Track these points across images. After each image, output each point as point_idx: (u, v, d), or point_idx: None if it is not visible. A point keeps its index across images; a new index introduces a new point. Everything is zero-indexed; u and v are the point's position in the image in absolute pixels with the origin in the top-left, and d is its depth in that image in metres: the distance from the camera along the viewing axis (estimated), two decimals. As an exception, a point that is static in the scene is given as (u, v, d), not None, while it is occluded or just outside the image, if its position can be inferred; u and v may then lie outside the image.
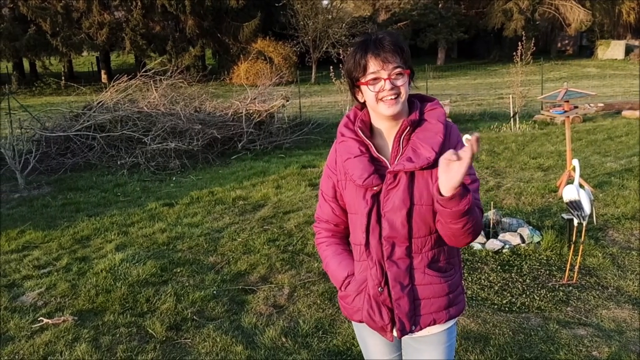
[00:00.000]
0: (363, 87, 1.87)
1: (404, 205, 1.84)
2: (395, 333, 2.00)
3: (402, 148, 1.88)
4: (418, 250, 1.90)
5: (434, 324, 1.96)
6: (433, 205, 1.84)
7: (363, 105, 1.95)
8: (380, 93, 1.82)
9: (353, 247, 2.04)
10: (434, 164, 1.80)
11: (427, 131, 1.87)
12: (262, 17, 30.94)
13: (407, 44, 1.90)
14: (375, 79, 1.83)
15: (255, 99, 12.49)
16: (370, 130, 1.96)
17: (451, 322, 2.02)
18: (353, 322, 2.16)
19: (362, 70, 1.84)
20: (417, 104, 1.93)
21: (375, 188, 1.88)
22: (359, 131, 1.92)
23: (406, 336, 2.02)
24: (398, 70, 1.82)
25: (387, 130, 1.92)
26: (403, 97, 1.84)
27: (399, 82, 1.82)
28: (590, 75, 27.32)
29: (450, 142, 1.87)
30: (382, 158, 1.90)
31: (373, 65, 1.82)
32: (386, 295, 1.93)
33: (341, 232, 2.11)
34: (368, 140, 1.91)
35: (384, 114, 1.85)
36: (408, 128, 1.87)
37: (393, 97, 1.82)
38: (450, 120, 1.98)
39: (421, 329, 1.96)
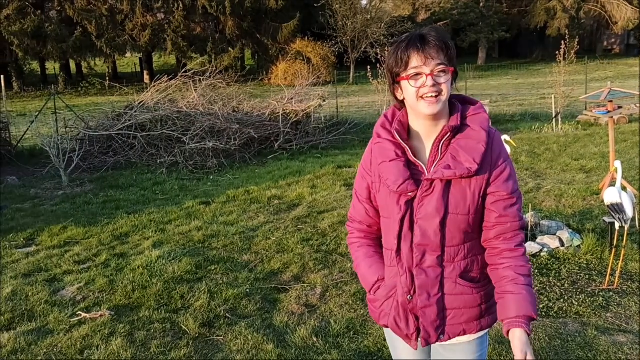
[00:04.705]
0: (403, 83, 1.78)
1: (437, 214, 1.77)
2: (420, 342, 1.94)
3: (441, 154, 1.80)
4: (450, 260, 1.83)
5: (464, 334, 1.90)
6: (469, 215, 1.79)
7: (402, 105, 1.87)
8: (422, 89, 1.73)
9: (385, 251, 1.97)
10: (474, 174, 1.74)
11: (470, 139, 1.78)
12: (301, 18, 31.08)
13: (452, 42, 1.82)
14: (417, 74, 1.74)
15: (292, 99, 12.53)
16: (407, 131, 1.88)
17: (483, 332, 1.96)
18: None
19: (403, 65, 1.75)
20: (458, 106, 1.83)
21: (410, 194, 1.80)
22: (396, 133, 1.83)
23: (435, 343, 1.98)
24: (441, 67, 1.73)
25: (426, 132, 1.83)
26: (444, 96, 1.75)
27: (441, 80, 1.74)
28: (638, 75, 26.41)
29: (492, 152, 1.79)
30: (418, 162, 1.82)
31: (416, 60, 1.73)
32: (415, 303, 1.87)
33: (374, 234, 2.04)
34: (405, 144, 1.82)
35: (423, 113, 1.77)
36: (449, 134, 1.79)
37: (434, 94, 1.73)
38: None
39: (450, 338, 1.90)
